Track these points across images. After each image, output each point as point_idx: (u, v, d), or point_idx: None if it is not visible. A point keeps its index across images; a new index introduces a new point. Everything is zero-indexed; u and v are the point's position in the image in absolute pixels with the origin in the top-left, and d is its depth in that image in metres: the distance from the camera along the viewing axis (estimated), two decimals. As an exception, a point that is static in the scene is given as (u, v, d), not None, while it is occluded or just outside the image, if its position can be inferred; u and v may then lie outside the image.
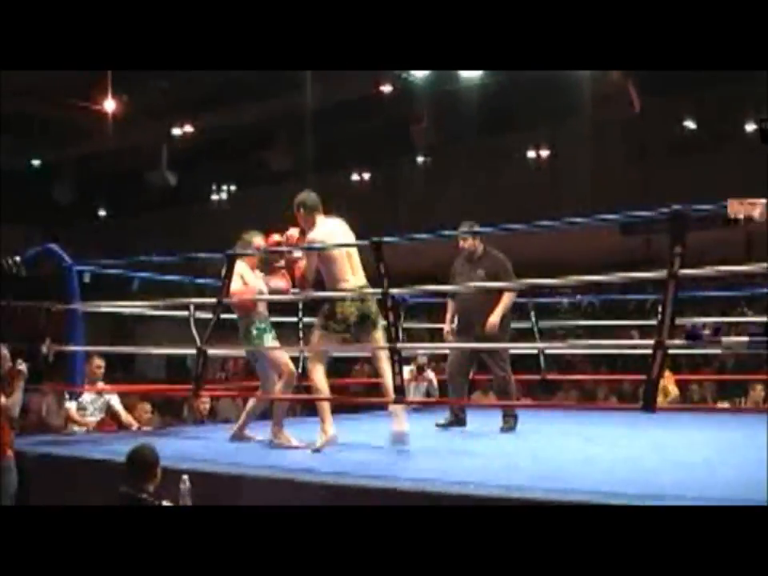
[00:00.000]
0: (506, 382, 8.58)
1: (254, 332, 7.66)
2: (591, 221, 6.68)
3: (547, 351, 10.90)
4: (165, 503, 5.45)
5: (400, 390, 6.22)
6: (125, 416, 9.38)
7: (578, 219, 6.73)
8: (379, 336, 7.09)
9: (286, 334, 9.07)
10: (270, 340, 7.72)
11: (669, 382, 11.23)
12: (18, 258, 8.22)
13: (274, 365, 7.66)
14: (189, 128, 19.03)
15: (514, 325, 11.68)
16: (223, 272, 7.30)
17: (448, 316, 8.99)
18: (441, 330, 9.54)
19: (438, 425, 8.75)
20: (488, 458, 6.68)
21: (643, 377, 5.23)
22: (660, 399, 10.95)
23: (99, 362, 9.19)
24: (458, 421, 8.79)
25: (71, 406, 9.30)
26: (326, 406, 7.17)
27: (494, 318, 8.30)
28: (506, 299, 8.37)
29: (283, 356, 7.69)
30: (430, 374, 11.38)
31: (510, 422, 8.53)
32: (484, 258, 8.57)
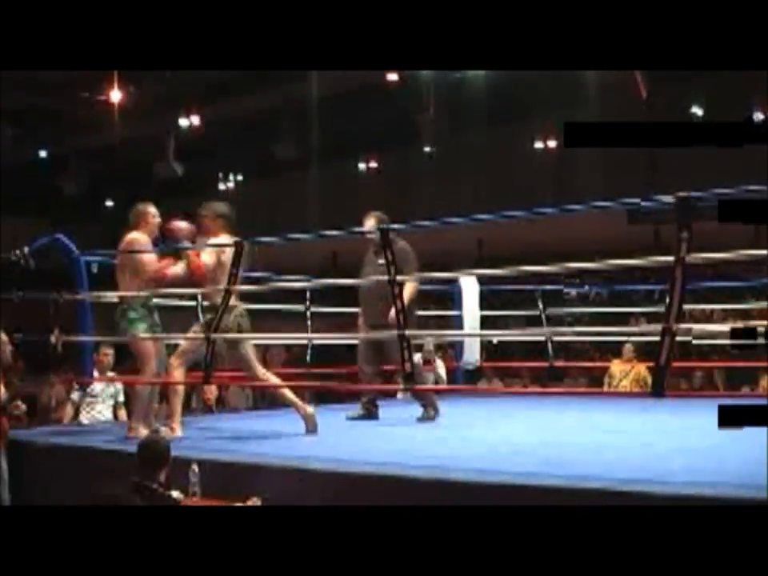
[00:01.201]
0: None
1: (130, 316, 7.64)
2: (597, 207, 6.64)
3: (555, 338, 10.88)
4: (174, 493, 5.47)
5: (410, 377, 6.23)
6: (121, 412, 9.38)
7: (579, 206, 6.71)
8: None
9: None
10: (142, 329, 7.64)
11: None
12: (26, 250, 8.22)
13: (139, 355, 7.66)
14: (195, 118, 19.03)
15: (523, 312, 11.67)
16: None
17: (361, 306, 8.84)
18: (447, 317, 9.54)
19: (348, 417, 8.56)
20: (494, 444, 6.68)
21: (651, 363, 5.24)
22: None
23: (107, 350, 9.23)
24: (369, 415, 8.62)
25: (75, 396, 9.34)
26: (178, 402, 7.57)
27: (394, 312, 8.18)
28: (407, 291, 8.01)
29: (149, 349, 7.64)
30: (438, 363, 11.37)
31: (429, 413, 8.37)
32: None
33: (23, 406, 8.46)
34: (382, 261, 8.26)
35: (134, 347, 7.74)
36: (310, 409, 7.56)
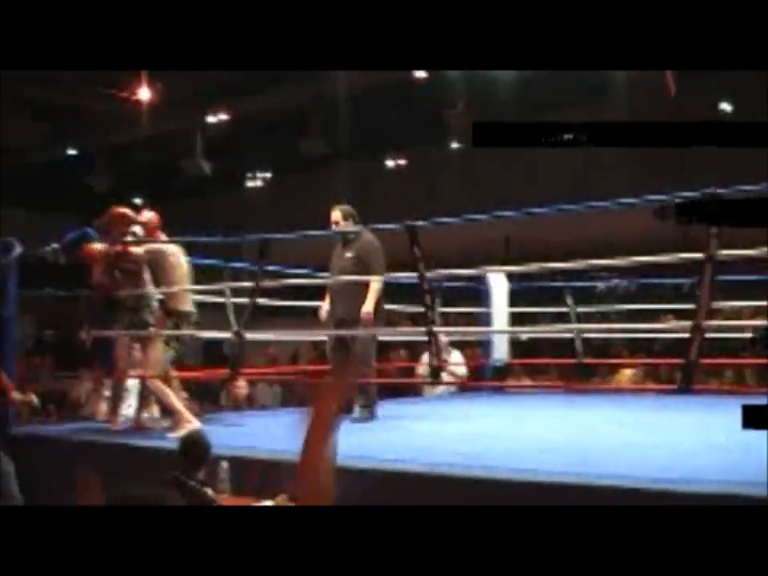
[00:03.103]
0: (366, 374, 8.19)
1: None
2: (626, 204, 6.62)
3: (583, 335, 10.84)
4: (209, 491, 5.50)
5: (436, 372, 6.24)
6: (152, 407, 9.42)
7: (608, 203, 6.70)
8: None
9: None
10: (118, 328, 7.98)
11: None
12: (56, 246, 8.27)
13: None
14: (223, 115, 19.07)
15: (551, 309, 11.65)
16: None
17: (327, 300, 8.68)
18: (475, 314, 9.47)
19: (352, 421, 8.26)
20: (521, 442, 6.67)
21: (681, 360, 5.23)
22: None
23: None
24: (372, 416, 8.37)
25: (108, 392, 9.39)
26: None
27: (367, 308, 8.00)
28: (374, 285, 8.08)
29: (120, 350, 8.02)
30: (455, 359, 11.33)
31: (364, 413, 8.18)
32: (355, 241, 8.36)
33: (34, 398, 8.57)
34: (349, 254, 8.26)
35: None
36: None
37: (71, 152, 21.61)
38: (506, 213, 7.27)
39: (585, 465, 5.23)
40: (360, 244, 8.31)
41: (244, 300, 7.49)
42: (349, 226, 8.37)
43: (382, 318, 8.29)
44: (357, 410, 8.21)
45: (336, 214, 8.39)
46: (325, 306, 8.62)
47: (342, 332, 8.11)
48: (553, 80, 15.80)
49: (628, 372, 11.96)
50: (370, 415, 8.15)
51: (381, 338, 9.21)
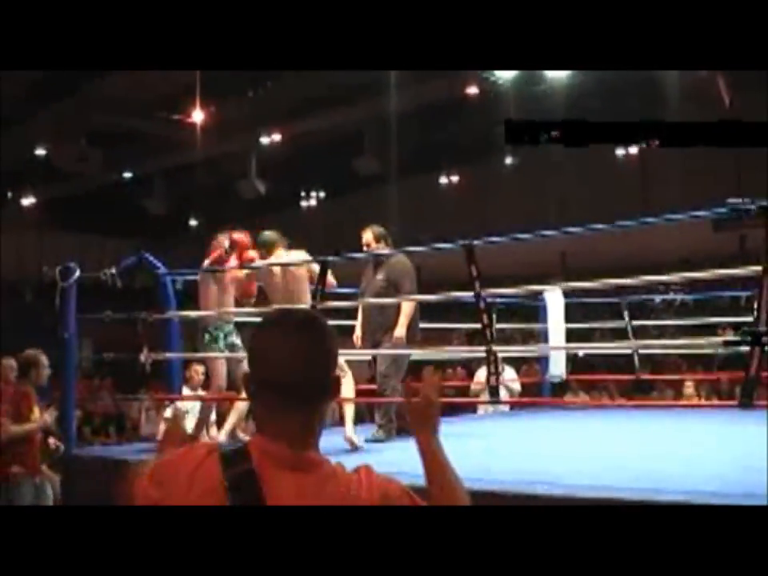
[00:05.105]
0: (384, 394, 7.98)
1: (206, 337, 7.96)
2: (683, 216, 6.57)
3: (641, 351, 10.75)
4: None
5: (495, 390, 6.23)
6: (212, 429, 9.44)
7: (664, 218, 6.66)
8: None
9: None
10: (216, 349, 7.93)
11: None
12: (113, 270, 8.35)
13: (210, 373, 8.06)
14: (277, 136, 19.18)
15: (608, 324, 11.57)
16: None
17: (358, 321, 8.54)
18: (532, 331, 9.42)
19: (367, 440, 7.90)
20: (584, 460, 6.61)
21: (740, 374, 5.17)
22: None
23: (198, 367, 9.35)
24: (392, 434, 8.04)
25: (168, 413, 9.45)
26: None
27: (399, 332, 7.87)
28: (406, 308, 7.94)
29: (221, 369, 7.97)
30: (512, 374, 11.29)
31: (380, 433, 7.93)
32: (385, 263, 8.20)
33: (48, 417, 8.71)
34: (380, 276, 8.18)
35: (208, 365, 8.05)
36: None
37: (126, 175, 21.83)
38: (563, 230, 7.20)
39: (650, 482, 5.18)
40: (391, 266, 8.18)
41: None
42: (381, 248, 8.24)
43: (416, 339, 8.23)
44: (374, 429, 8.08)
45: (367, 236, 8.27)
46: (358, 330, 8.51)
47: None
48: (603, 89, 15.75)
49: (689, 387, 11.85)
50: (386, 435, 7.92)
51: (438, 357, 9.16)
